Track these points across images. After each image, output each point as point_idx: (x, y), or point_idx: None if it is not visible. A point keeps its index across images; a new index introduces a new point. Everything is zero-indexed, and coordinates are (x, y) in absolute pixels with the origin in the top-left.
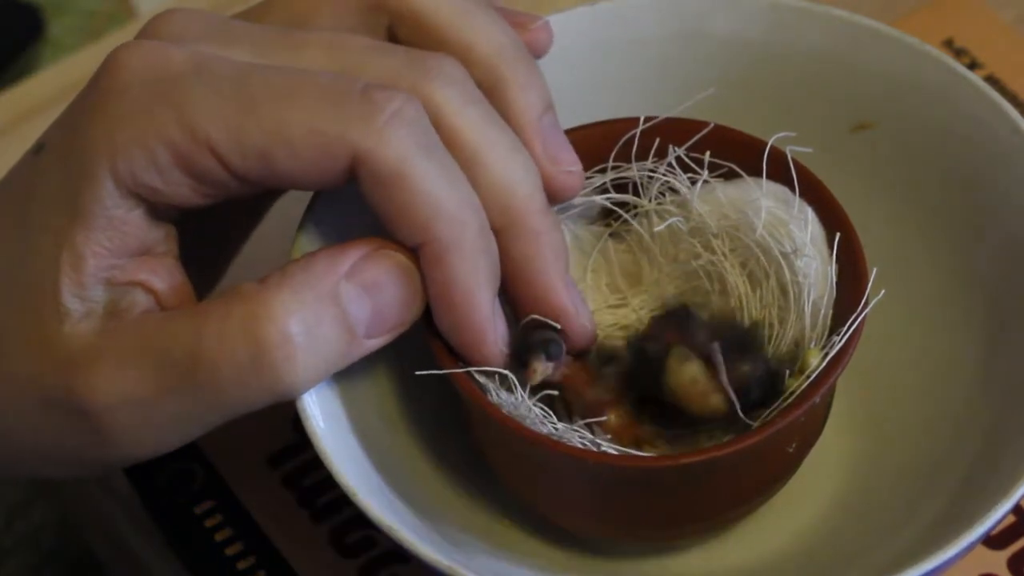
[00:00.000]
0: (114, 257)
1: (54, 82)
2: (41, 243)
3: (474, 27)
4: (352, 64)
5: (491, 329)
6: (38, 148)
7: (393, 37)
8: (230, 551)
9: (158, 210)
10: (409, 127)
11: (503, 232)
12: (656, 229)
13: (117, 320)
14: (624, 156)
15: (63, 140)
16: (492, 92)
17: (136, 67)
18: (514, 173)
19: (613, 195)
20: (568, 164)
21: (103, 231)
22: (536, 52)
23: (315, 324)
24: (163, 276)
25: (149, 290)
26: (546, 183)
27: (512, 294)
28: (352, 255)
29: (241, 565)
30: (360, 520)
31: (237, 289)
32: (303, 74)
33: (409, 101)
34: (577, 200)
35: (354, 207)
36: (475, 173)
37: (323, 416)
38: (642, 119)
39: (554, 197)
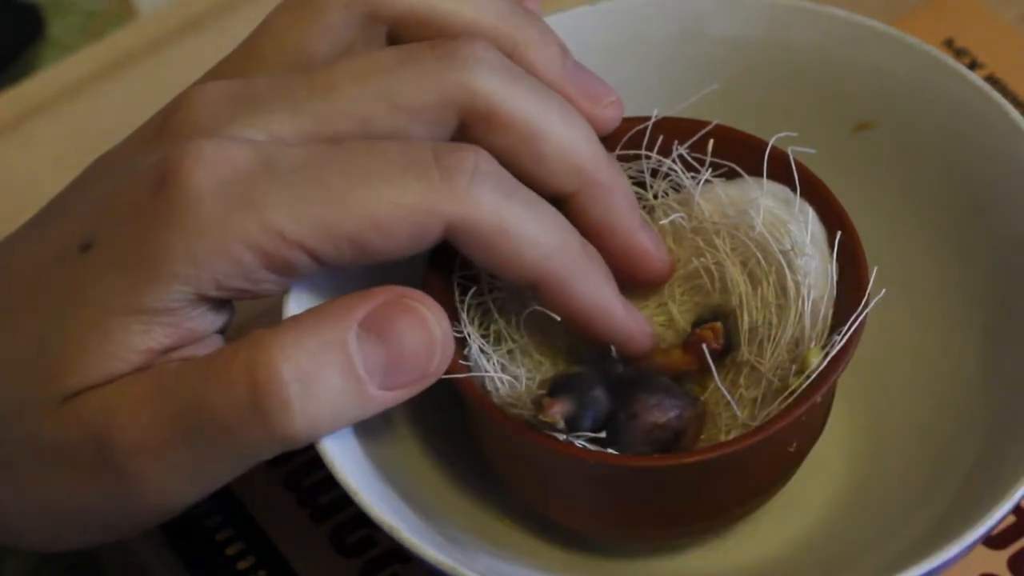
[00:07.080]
0: (165, 350)
1: (54, 82)
2: (81, 334)
3: (472, 3)
4: (390, 88)
5: (634, 323)
6: (85, 246)
7: (393, 40)
8: (230, 551)
9: (231, 302)
10: (491, 179)
11: (578, 194)
12: (661, 222)
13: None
14: (625, 156)
15: (124, 244)
16: (511, 58)
17: (201, 172)
18: (574, 134)
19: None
20: (606, 97)
21: (162, 328)
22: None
23: (314, 371)
24: (205, 350)
25: (189, 359)
26: (592, 122)
27: (597, 247)
28: (369, 303)
29: (241, 565)
30: (360, 520)
31: (250, 333)
32: (370, 150)
33: (478, 153)
34: None
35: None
36: (539, 146)
37: None
38: (654, 113)
39: (602, 131)
